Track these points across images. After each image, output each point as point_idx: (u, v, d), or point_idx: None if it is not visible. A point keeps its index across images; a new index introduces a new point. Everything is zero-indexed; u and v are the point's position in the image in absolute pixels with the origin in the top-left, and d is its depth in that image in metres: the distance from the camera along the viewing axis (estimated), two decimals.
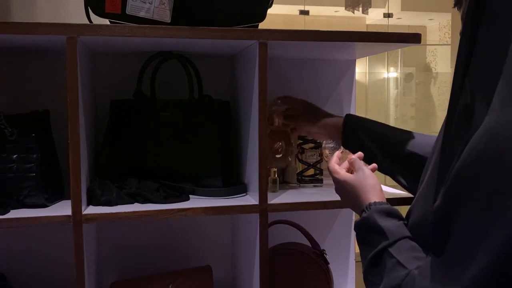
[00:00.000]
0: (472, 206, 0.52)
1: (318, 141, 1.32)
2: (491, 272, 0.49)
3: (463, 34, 0.59)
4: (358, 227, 0.78)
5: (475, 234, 0.51)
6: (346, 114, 1.17)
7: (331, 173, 0.92)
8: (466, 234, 0.53)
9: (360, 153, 0.91)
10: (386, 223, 0.73)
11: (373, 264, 0.71)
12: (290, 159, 1.27)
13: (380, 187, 0.84)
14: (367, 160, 1.00)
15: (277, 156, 1.23)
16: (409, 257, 0.66)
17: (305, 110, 1.23)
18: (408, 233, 0.71)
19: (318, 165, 1.32)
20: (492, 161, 0.50)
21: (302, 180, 1.32)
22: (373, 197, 0.80)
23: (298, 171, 1.33)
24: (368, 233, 0.75)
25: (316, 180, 1.32)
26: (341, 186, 0.89)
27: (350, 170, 0.91)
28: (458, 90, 0.58)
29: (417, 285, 0.61)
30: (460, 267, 0.52)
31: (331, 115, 1.21)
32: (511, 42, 0.52)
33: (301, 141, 1.32)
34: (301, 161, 1.32)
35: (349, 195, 0.86)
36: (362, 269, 0.75)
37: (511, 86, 0.50)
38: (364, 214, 0.77)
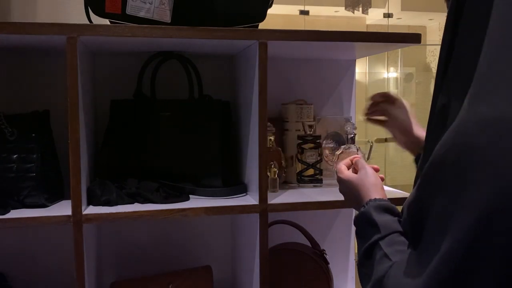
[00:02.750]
0: (438, 199, 0.55)
1: (318, 141, 1.32)
2: (450, 260, 0.51)
3: (443, 37, 0.61)
4: (356, 221, 0.81)
5: (440, 226, 0.54)
6: None
7: (336, 173, 0.95)
8: (433, 226, 0.56)
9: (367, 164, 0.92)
10: (381, 218, 0.76)
11: (366, 256, 0.74)
12: (279, 180, 1.26)
13: (382, 186, 0.86)
14: None
15: (269, 176, 1.22)
16: (395, 250, 0.69)
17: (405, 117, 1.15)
18: (400, 228, 0.73)
19: (317, 165, 1.32)
20: (455, 157, 0.52)
21: (301, 180, 1.32)
22: (373, 194, 0.83)
23: (298, 171, 1.33)
24: (364, 227, 0.78)
25: (315, 180, 1.31)
26: (344, 185, 0.92)
27: (355, 170, 0.93)
28: (437, 92, 0.61)
29: (392, 276, 0.64)
30: (428, 257, 0.55)
31: (415, 126, 1.14)
32: (483, 45, 0.54)
33: (300, 141, 1.32)
34: (300, 161, 1.32)
35: (351, 193, 0.89)
36: (357, 262, 0.77)
37: (480, 85, 0.53)
38: (362, 209, 0.80)
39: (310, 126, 1.32)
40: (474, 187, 0.50)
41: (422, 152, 0.65)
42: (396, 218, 0.76)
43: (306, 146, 1.31)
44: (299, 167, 1.33)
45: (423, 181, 0.58)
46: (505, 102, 0.50)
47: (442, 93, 0.60)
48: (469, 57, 0.55)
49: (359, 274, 0.76)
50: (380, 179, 0.88)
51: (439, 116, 0.60)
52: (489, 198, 0.49)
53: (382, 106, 1.16)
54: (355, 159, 0.95)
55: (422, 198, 0.58)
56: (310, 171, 1.32)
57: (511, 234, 0.48)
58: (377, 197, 0.81)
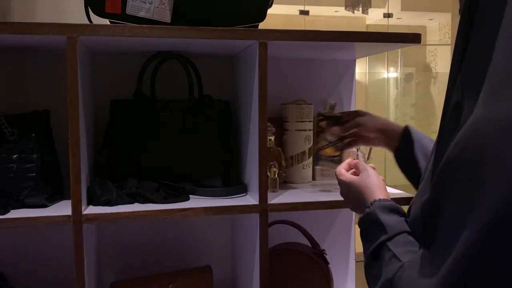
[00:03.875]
0: (453, 198, 0.54)
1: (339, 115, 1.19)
2: (465, 262, 0.51)
3: (458, 34, 0.61)
4: (361, 222, 0.80)
5: (454, 226, 0.53)
6: (406, 125, 1.10)
7: (337, 176, 0.94)
8: (447, 226, 0.55)
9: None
10: (387, 218, 0.75)
11: (373, 257, 0.73)
12: (279, 180, 1.24)
13: (384, 186, 0.85)
14: (415, 176, 1.01)
15: (269, 176, 1.20)
16: (405, 250, 0.68)
17: (365, 118, 1.16)
18: (407, 229, 0.73)
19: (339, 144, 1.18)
20: (471, 156, 0.52)
21: (319, 158, 1.20)
22: (377, 195, 0.82)
23: (318, 146, 1.20)
24: (370, 228, 0.77)
25: (336, 158, 1.18)
26: (346, 188, 0.91)
27: (355, 173, 0.93)
28: (451, 89, 0.60)
29: (405, 276, 0.63)
30: (442, 258, 0.54)
31: (388, 121, 1.15)
32: (497, 41, 0.53)
33: (321, 118, 1.22)
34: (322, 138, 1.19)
35: (354, 195, 0.88)
36: (363, 264, 0.77)
37: (494, 82, 0.52)
38: (367, 210, 0.79)
39: (332, 107, 1.22)
40: (490, 186, 0.49)
41: (435, 150, 0.64)
42: (402, 218, 0.75)
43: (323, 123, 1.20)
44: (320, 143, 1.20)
45: (437, 180, 0.57)
46: None
47: (455, 90, 0.59)
48: (484, 54, 0.54)
49: (366, 276, 0.75)
50: (382, 179, 0.87)
51: (453, 113, 0.59)
52: (504, 198, 0.48)
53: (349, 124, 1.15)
54: (355, 161, 0.94)
55: (436, 198, 0.57)
56: (331, 150, 1.20)
57: None
58: (381, 197, 0.80)
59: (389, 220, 0.74)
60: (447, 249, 0.53)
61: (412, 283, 0.60)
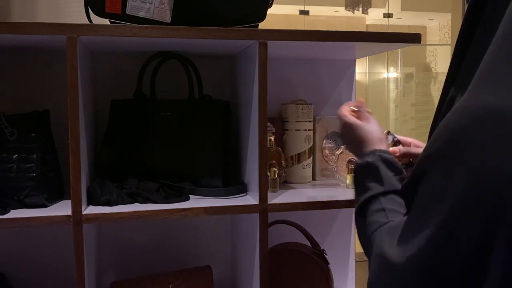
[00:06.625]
0: (429, 178, 0.56)
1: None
2: (428, 247, 0.53)
3: (459, 34, 0.61)
4: (360, 167, 0.83)
5: (429, 203, 0.55)
6: None
7: (340, 117, 0.95)
8: (423, 202, 0.56)
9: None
10: (387, 173, 0.78)
11: (365, 206, 0.76)
12: (279, 180, 1.24)
13: (384, 138, 0.89)
14: None
15: (269, 176, 1.19)
16: (394, 208, 0.72)
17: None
18: (399, 187, 0.75)
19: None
20: (444, 144, 0.53)
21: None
22: (379, 145, 0.85)
23: None
24: (367, 176, 0.80)
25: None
26: (349, 129, 0.93)
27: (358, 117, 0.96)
28: (448, 86, 0.62)
29: (382, 234, 0.67)
30: (413, 232, 0.56)
31: None
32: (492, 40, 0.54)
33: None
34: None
35: (355, 138, 0.91)
36: (354, 210, 0.81)
37: (478, 78, 0.53)
38: (369, 158, 0.82)
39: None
40: (456, 175, 0.51)
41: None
42: (398, 176, 0.79)
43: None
44: None
45: (414, 168, 0.60)
46: (496, 94, 0.49)
47: (454, 86, 0.61)
48: (480, 55, 0.55)
49: (355, 222, 0.79)
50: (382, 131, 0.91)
51: (447, 107, 0.60)
52: (467, 186, 0.49)
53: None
54: (358, 106, 0.96)
55: (413, 182, 0.60)
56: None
57: (484, 224, 0.48)
58: (382, 148, 0.84)
59: (388, 175, 0.78)
60: (418, 230, 0.55)
61: (384, 246, 0.62)
